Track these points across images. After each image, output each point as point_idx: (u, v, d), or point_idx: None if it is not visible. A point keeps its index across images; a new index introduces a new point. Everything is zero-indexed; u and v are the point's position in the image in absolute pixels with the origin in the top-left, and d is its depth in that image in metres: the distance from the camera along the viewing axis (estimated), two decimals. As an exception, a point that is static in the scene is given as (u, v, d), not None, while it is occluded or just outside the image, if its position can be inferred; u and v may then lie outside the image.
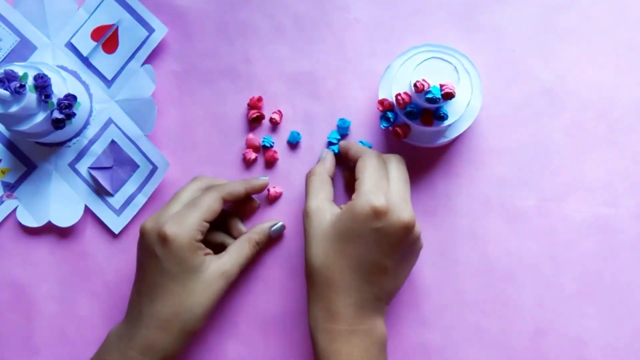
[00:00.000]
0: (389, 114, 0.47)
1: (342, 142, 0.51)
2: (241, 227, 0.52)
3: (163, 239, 0.45)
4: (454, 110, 0.46)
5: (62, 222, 0.53)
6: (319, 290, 0.44)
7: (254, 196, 0.52)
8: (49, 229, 0.54)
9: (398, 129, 0.47)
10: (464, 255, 0.51)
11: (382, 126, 0.47)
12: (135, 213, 0.53)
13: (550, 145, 0.51)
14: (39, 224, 0.53)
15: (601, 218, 0.50)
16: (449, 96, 0.44)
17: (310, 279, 0.44)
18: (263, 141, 0.52)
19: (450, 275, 0.51)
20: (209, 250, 0.47)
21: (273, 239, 0.52)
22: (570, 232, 0.50)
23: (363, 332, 0.43)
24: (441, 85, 0.44)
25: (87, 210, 0.53)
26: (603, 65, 0.51)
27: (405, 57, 0.48)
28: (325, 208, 0.45)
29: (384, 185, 0.44)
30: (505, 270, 0.51)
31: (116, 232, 0.53)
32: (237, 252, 0.49)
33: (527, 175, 0.51)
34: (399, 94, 0.45)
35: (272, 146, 0.53)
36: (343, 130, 0.52)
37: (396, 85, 0.47)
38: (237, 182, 0.50)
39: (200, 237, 0.46)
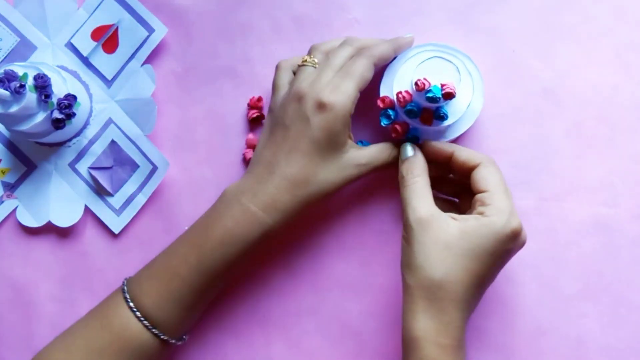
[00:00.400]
0: (390, 112, 0.47)
1: (438, 144, 0.47)
2: None
3: (320, 105, 0.44)
4: (454, 110, 0.46)
5: (62, 222, 0.53)
6: (435, 303, 0.41)
7: None
8: (49, 229, 0.54)
9: (397, 127, 0.47)
10: (464, 255, 0.51)
11: (382, 124, 0.47)
12: (135, 213, 0.53)
13: (550, 145, 0.51)
14: (39, 224, 0.53)
15: (601, 218, 0.50)
16: (449, 96, 0.44)
17: (426, 291, 0.42)
18: None
19: (450, 275, 0.51)
20: (351, 135, 0.47)
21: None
22: (570, 232, 0.50)
23: (464, 347, 0.43)
24: (442, 85, 0.44)
25: (87, 210, 0.54)
26: (603, 65, 0.51)
27: (408, 56, 0.48)
28: (440, 216, 0.43)
29: (512, 203, 0.43)
30: (505, 270, 0.50)
31: (116, 232, 0.53)
32: (377, 152, 0.47)
33: (527, 175, 0.51)
34: (400, 92, 0.45)
35: None
36: None
37: (398, 83, 0.47)
38: (384, 44, 0.47)
39: (353, 108, 0.45)
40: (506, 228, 0.41)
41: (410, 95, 0.45)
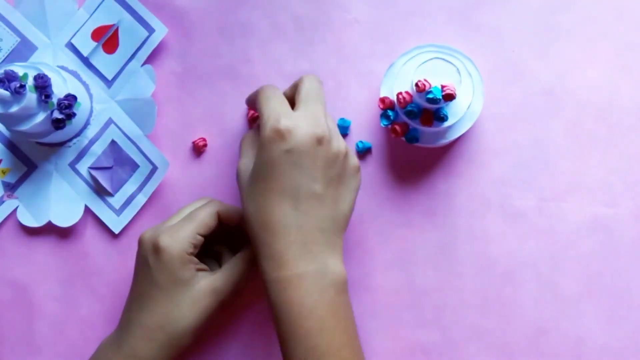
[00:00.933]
0: (390, 112, 0.47)
1: (247, 98, 0.49)
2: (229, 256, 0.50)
3: (156, 249, 0.45)
4: (454, 111, 0.46)
5: (63, 222, 0.53)
6: (259, 239, 0.42)
7: None
8: (49, 229, 0.54)
9: (397, 127, 0.47)
10: (464, 255, 0.51)
11: (382, 124, 0.48)
12: (135, 213, 0.53)
13: (550, 146, 0.51)
14: (40, 224, 0.53)
15: (601, 218, 0.50)
16: (449, 97, 0.44)
17: (249, 232, 0.43)
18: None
19: (450, 275, 0.51)
20: (203, 267, 0.47)
21: None
22: (569, 232, 0.50)
23: (313, 274, 0.41)
24: (442, 86, 0.44)
25: (87, 210, 0.54)
26: (603, 65, 0.51)
27: (409, 56, 0.48)
28: (251, 163, 0.44)
29: (285, 108, 0.42)
30: (505, 270, 0.51)
31: (116, 232, 0.53)
32: (230, 268, 0.47)
33: (527, 175, 0.51)
34: (400, 93, 0.45)
35: None
36: (343, 130, 0.52)
37: (398, 83, 0.47)
38: (238, 209, 0.48)
39: (192, 250, 0.45)
40: (267, 133, 0.41)
41: (411, 96, 0.45)
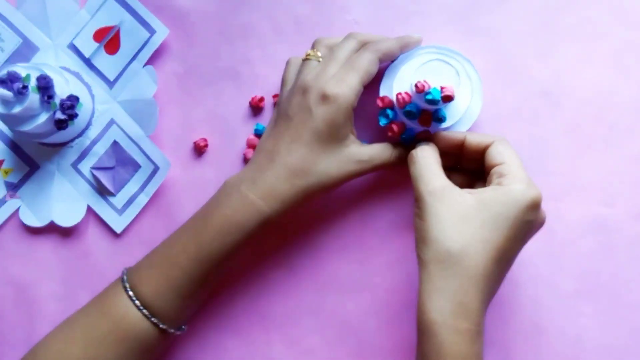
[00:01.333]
0: (388, 112, 0.47)
1: (449, 132, 0.46)
2: None
3: (324, 97, 0.44)
4: (452, 113, 0.46)
5: (65, 221, 0.53)
6: (453, 280, 0.38)
7: None
8: (52, 229, 0.54)
9: (394, 126, 0.47)
10: (464, 255, 0.51)
11: (380, 123, 0.48)
12: (137, 213, 0.53)
13: (548, 146, 0.51)
14: (42, 224, 0.54)
15: (599, 218, 0.50)
16: (448, 99, 0.44)
17: (442, 266, 0.39)
18: (257, 126, 0.53)
19: (450, 274, 0.51)
20: (354, 131, 0.47)
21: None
22: (568, 231, 0.51)
23: (482, 332, 0.40)
24: (441, 88, 0.44)
25: (90, 210, 0.54)
26: (602, 65, 0.51)
27: (409, 57, 0.48)
28: (455, 188, 0.41)
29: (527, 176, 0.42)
30: (504, 269, 0.51)
31: (118, 231, 0.53)
32: (379, 151, 0.47)
33: (526, 175, 0.51)
34: (400, 93, 0.46)
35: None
36: None
37: (397, 84, 0.47)
38: (391, 40, 0.47)
39: (356, 102, 0.45)
40: (526, 195, 0.40)
41: (410, 96, 0.46)
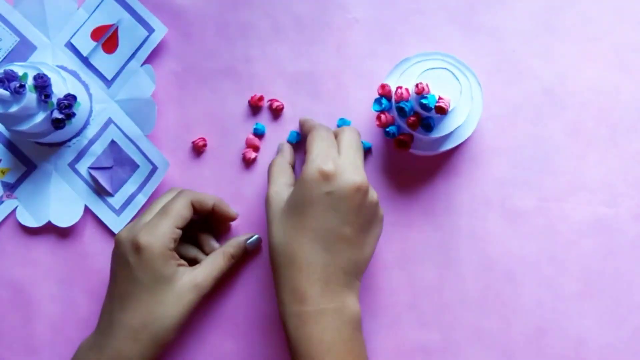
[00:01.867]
0: (384, 101, 0.47)
1: (301, 118, 0.51)
2: (213, 243, 0.51)
3: (136, 247, 0.45)
4: (443, 126, 0.46)
5: (62, 222, 0.53)
6: (283, 270, 0.43)
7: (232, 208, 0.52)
8: (49, 229, 0.54)
9: (382, 116, 0.47)
10: (464, 255, 0.51)
11: (373, 108, 0.48)
12: (135, 213, 0.53)
13: (550, 145, 0.51)
14: (39, 224, 0.53)
15: (601, 218, 0.50)
16: (440, 110, 0.44)
17: (273, 261, 0.44)
18: (256, 125, 0.52)
19: (450, 275, 0.51)
20: (182, 262, 0.47)
21: (249, 252, 0.51)
22: (570, 232, 0.50)
23: (332, 311, 0.42)
24: (439, 98, 0.44)
25: (87, 210, 0.53)
26: (603, 65, 0.51)
27: (423, 58, 0.48)
28: (283, 191, 0.45)
29: (333, 152, 0.44)
30: (505, 270, 0.51)
31: (116, 232, 0.53)
32: (211, 264, 0.48)
33: (527, 175, 0.51)
34: (400, 87, 0.46)
35: (262, 134, 0.53)
36: None
37: (403, 78, 0.47)
38: (209, 195, 0.50)
39: (173, 245, 0.46)
40: (313, 172, 0.42)
41: (408, 94, 0.45)
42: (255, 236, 0.51)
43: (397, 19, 0.52)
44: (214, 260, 0.49)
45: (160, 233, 0.46)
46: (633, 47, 0.51)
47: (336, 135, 0.47)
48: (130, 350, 0.45)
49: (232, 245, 0.50)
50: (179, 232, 0.47)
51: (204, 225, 0.52)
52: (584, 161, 0.51)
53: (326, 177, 0.42)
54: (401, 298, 0.51)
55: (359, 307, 0.44)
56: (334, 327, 0.42)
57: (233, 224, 0.52)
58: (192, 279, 0.47)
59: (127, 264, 0.46)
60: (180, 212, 0.47)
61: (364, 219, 0.44)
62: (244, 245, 0.50)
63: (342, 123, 0.52)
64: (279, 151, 0.51)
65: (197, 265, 0.48)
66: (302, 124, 0.51)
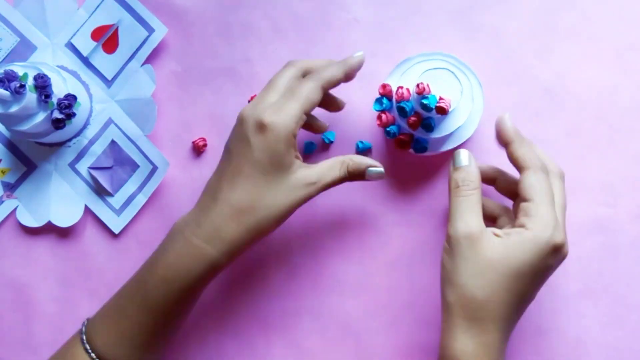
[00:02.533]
0: (385, 100, 0.47)
1: (499, 117, 0.45)
2: (323, 123, 0.49)
3: (261, 126, 0.42)
4: (444, 127, 0.46)
5: (62, 222, 0.53)
6: (476, 323, 0.40)
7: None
8: (49, 229, 0.54)
9: (383, 116, 0.47)
10: (464, 255, 0.51)
11: (373, 108, 0.48)
12: (135, 213, 0.53)
13: (550, 146, 0.51)
14: (39, 224, 0.53)
15: (601, 218, 0.50)
16: (441, 110, 0.44)
17: (467, 310, 0.40)
18: None
19: (450, 275, 0.51)
20: (299, 155, 0.44)
21: (366, 179, 0.46)
22: (570, 232, 0.50)
23: None
24: (440, 98, 0.44)
25: (87, 210, 0.54)
26: (603, 65, 0.51)
27: (425, 58, 0.48)
28: (486, 232, 0.41)
29: (560, 217, 0.42)
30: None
31: (116, 232, 0.53)
32: (327, 169, 0.45)
33: (527, 175, 0.51)
34: (401, 87, 0.46)
35: None
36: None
37: (405, 78, 0.47)
38: (334, 66, 0.45)
39: (297, 130, 0.43)
40: (549, 243, 0.40)
41: (409, 94, 0.45)
42: (380, 169, 0.46)
43: (397, 19, 0.52)
44: (331, 167, 0.45)
45: (287, 115, 0.42)
46: (633, 47, 0.51)
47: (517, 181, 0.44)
48: (230, 230, 0.42)
49: (354, 159, 0.46)
50: (305, 117, 0.43)
51: None
52: (584, 162, 0.51)
53: (558, 252, 0.40)
54: (401, 298, 0.51)
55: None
56: None
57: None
58: (306, 176, 0.43)
59: (247, 143, 0.42)
60: (310, 96, 0.43)
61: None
62: (364, 169, 0.46)
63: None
64: (463, 165, 0.44)
65: (314, 165, 0.45)
66: (509, 140, 0.44)
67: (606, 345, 0.50)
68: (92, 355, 0.43)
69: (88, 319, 0.46)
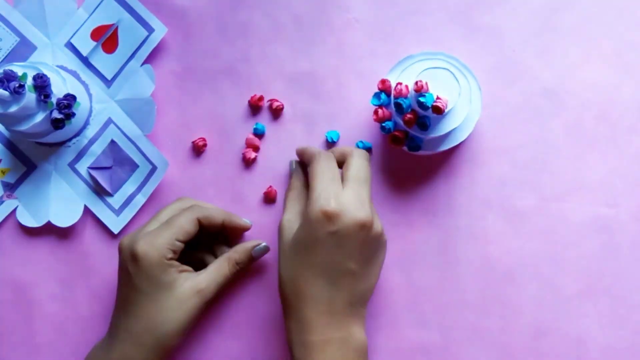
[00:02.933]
0: (383, 96, 0.47)
1: (297, 148, 0.50)
2: (225, 249, 0.51)
3: (134, 256, 0.46)
4: (440, 127, 0.46)
5: (62, 222, 0.53)
6: (290, 302, 0.44)
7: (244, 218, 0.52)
8: (49, 229, 0.54)
9: (380, 111, 0.47)
10: (464, 255, 0.51)
11: (371, 102, 0.48)
12: (134, 213, 0.53)
13: (550, 145, 0.51)
14: (39, 224, 0.53)
15: (601, 218, 0.50)
16: (437, 110, 0.44)
17: (282, 292, 0.45)
18: (256, 125, 0.52)
19: (450, 275, 0.51)
20: (186, 268, 0.47)
21: (255, 260, 0.51)
22: (570, 232, 0.50)
23: (338, 340, 0.43)
24: (437, 97, 0.44)
25: (87, 210, 0.53)
26: (603, 65, 0.51)
27: (427, 57, 0.48)
28: (295, 219, 0.45)
29: (335, 188, 0.43)
30: (505, 270, 0.51)
31: (116, 232, 0.53)
32: (215, 270, 0.48)
33: (527, 175, 0.51)
34: (400, 83, 0.46)
35: (262, 134, 0.53)
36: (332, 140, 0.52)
37: (405, 75, 0.47)
38: (219, 211, 0.50)
39: (171, 255, 0.46)
40: (316, 213, 0.42)
41: (407, 90, 0.45)
42: (263, 244, 0.50)
43: (397, 19, 0.52)
44: (219, 266, 0.49)
45: (158, 243, 0.46)
46: (633, 46, 0.51)
47: (344, 159, 0.46)
48: (135, 354, 0.46)
49: (237, 251, 0.50)
50: (180, 244, 0.47)
51: (220, 232, 0.51)
52: (584, 161, 0.51)
53: (329, 217, 0.42)
54: (401, 298, 0.51)
55: (365, 336, 0.45)
56: (339, 355, 0.42)
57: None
58: (195, 285, 0.47)
59: (127, 272, 0.46)
60: (184, 226, 0.47)
61: (368, 251, 0.44)
62: (249, 253, 0.50)
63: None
64: (291, 173, 0.51)
65: (202, 271, 0.48)
66: (301, 154, 0.50)
67: (606, 345, 0.50)
68: None
69: None
